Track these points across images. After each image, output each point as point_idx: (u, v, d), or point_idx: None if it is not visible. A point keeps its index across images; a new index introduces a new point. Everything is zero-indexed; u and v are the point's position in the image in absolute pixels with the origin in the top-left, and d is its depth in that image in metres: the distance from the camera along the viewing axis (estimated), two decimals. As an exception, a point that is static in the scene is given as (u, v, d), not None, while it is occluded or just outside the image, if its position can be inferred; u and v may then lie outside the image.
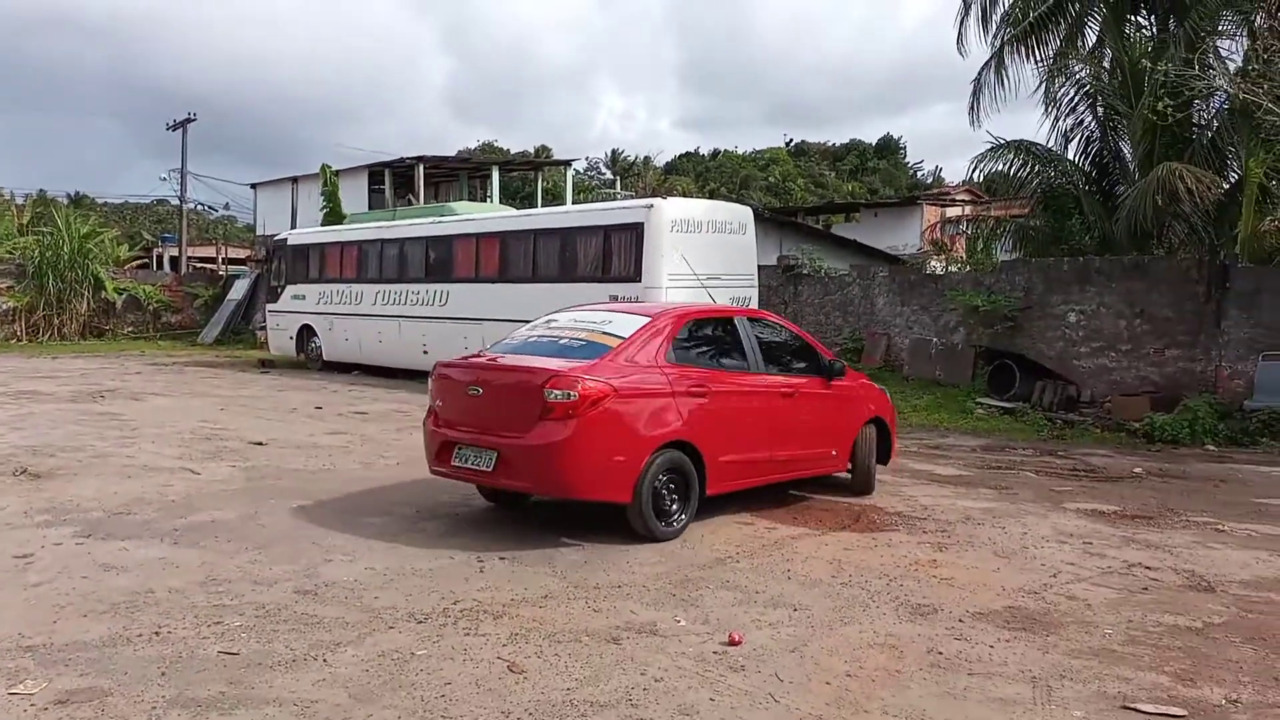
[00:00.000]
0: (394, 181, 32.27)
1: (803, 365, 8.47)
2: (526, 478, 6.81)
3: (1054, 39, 17.18)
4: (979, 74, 17.69)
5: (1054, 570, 6.40)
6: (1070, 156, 17.53)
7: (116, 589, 5.54)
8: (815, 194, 57.49)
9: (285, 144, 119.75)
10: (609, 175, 59.55)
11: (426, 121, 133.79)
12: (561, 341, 7.44)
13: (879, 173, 66.79)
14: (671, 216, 14.91)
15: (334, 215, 27.42)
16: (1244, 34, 15.32)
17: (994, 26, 17.69)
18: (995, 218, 20.55)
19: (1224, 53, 15.64)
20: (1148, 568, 6.51)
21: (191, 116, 37.42)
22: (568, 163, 38.62)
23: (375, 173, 32.01)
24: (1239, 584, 6.19)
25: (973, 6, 17.76)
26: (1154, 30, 16.68)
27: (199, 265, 42.31)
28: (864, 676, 4.50)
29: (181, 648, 4.66)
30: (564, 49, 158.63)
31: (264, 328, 25.51)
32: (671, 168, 67.69)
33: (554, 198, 36.72)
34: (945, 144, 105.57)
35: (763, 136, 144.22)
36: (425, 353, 18.79)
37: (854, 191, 56.80)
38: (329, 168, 29.45)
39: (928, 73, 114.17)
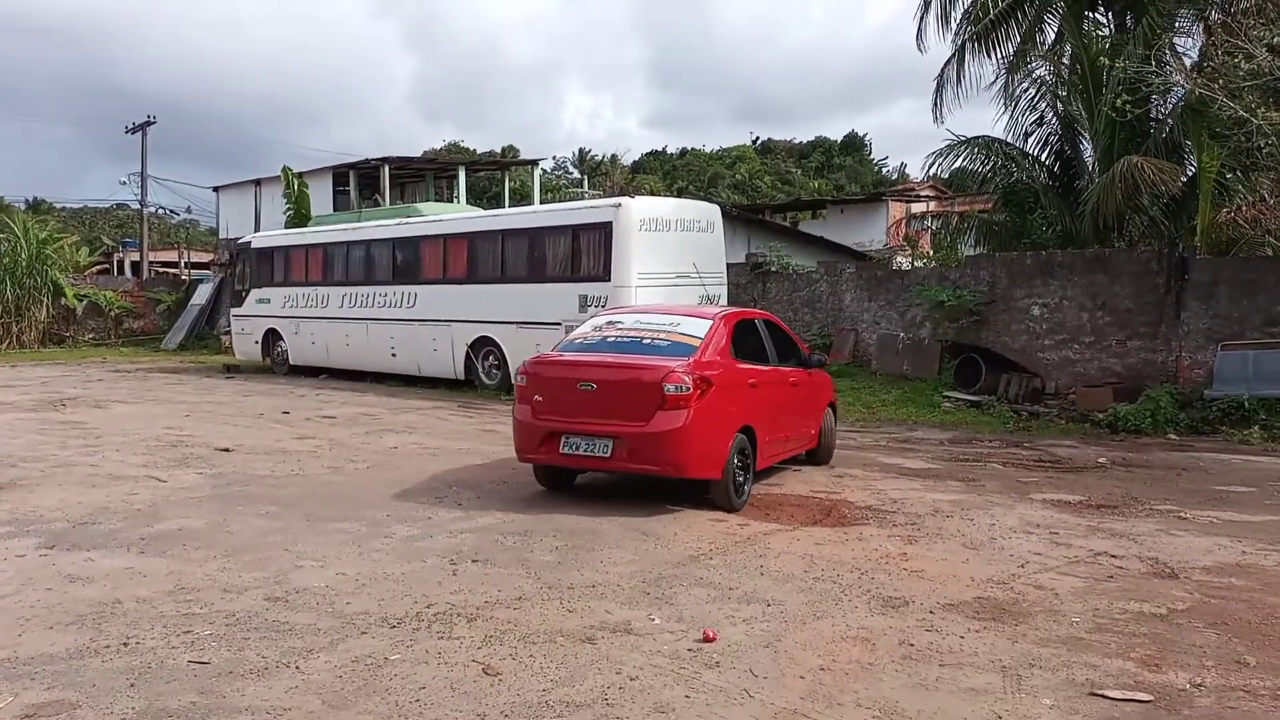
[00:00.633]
0: (359, 183, 32.02)
1: (793, 358, 9.60)
2: (648, 461, 7.65)
3: (1014, 36, 17.39)
4: (941, 71, 17.87)
5: (1022, 560, 6.49)
6: (1031, 152, 17.77)
7: (83, 600, 5.46)
8: (782, 191, 57.75)
9: (247, 146, 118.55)
10: (576, 175, 59.46)
11: (392, 122, 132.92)
12: (645, 341, 8.32)
13: (844, 169, 67.19)
14: (640, 215, 14.92)
15: (299, 217, 27.16)
16: (1199, 30, 15.61)
17: (955, 23, 17.89)
18: (959, 213, 20.78)
19: (1180, 49, 15.95)
20: (1113, 556, 6.62)
21: (151, 119, 36.93)
22: (535, 162, 38.51)
23: (340, 174, 31.74)
24: (1201, 570, 6.32)
25: (932, 3, 17.92)
26: (1112, 27, 16.94)
27: (161, 270, 41.70)
28: (837, 670, 4.54)
29: (151, 658, 4.60)
30: (530, 48, 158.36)
31: (229, 332, 25.24)
32: (639, 166, 67.67)
33: (521, 198, 36.60)
34: (910, 140, 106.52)
35: (729, 134, 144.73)
36: (394, 355, 18.70)
37: (820, 189, 57.10)
38: (290, 170, 29.15)
39: (892, 70, 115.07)
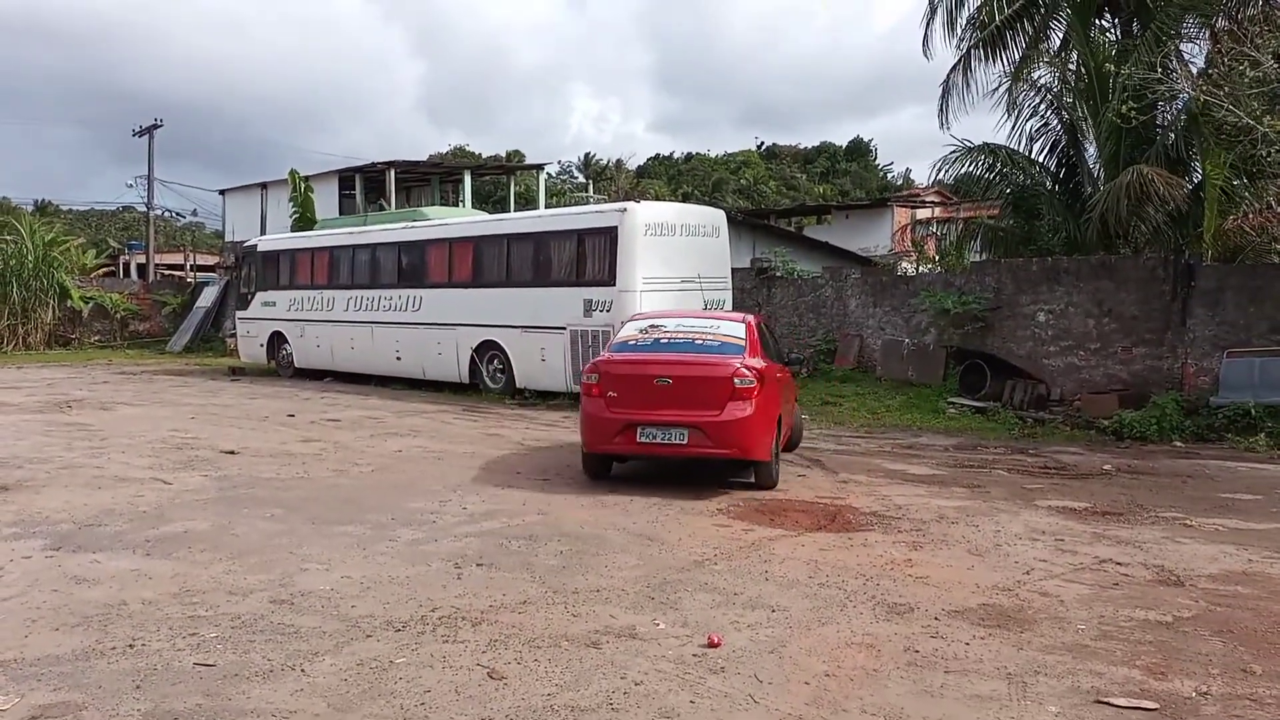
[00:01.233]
0: (365, 187, 32.05)
1: (778, 356, 10.56)
2: (720, 446, 8.58)
3: (1020, 42, 17.40)
4: (947, 77, 17.89)
5: (1027, 567, 6.48)
6: (1037, 158, 17.78)
7: (89, 602, 5.47)
8: (787, 196, 57.76)
9: (254, 150, 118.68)
10: (582, 179, 59.51)
11: (398, 126, 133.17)
12: (698, 342, 9.31)
13: (850, 175, 67.25)
14: (645, 220, 14.93)
15: (305, 221, 27.19)
16: (1205, 37, 15.61)
17: (961, 29, 17.90)
18: (965, 219, 20.77)
19: (1186, 55, 15.94)
20: (1118, 563, 6.61)
21: (158, 122, 37.05)
22: (540, 167, 38.52)
23: (346, 178, 31.78)
24: (1207, 578, 6.30)
25: (939, 10, 17.94)
26: (1118, 34, 16.94)
27: (167, 272, 41.78)
28: (842, 676, 4.53)
29: (156, 660, 4.61)
30: (536, 53, 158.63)
31: (234, 335, 25.28)
32: (644, 171, 67.73)
33: (526, 202, 36.64)
34: (915, 146, 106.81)
35: (735, 139, 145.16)
36: (398, 359, 18.71)
37: (825, 194, 57.13)
38: (297, 174, 29.21)
39: (898, 75, 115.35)
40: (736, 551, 6.78)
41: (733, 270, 16.95)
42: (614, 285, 14.64)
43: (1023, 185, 17.78)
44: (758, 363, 8.94)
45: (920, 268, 23.26)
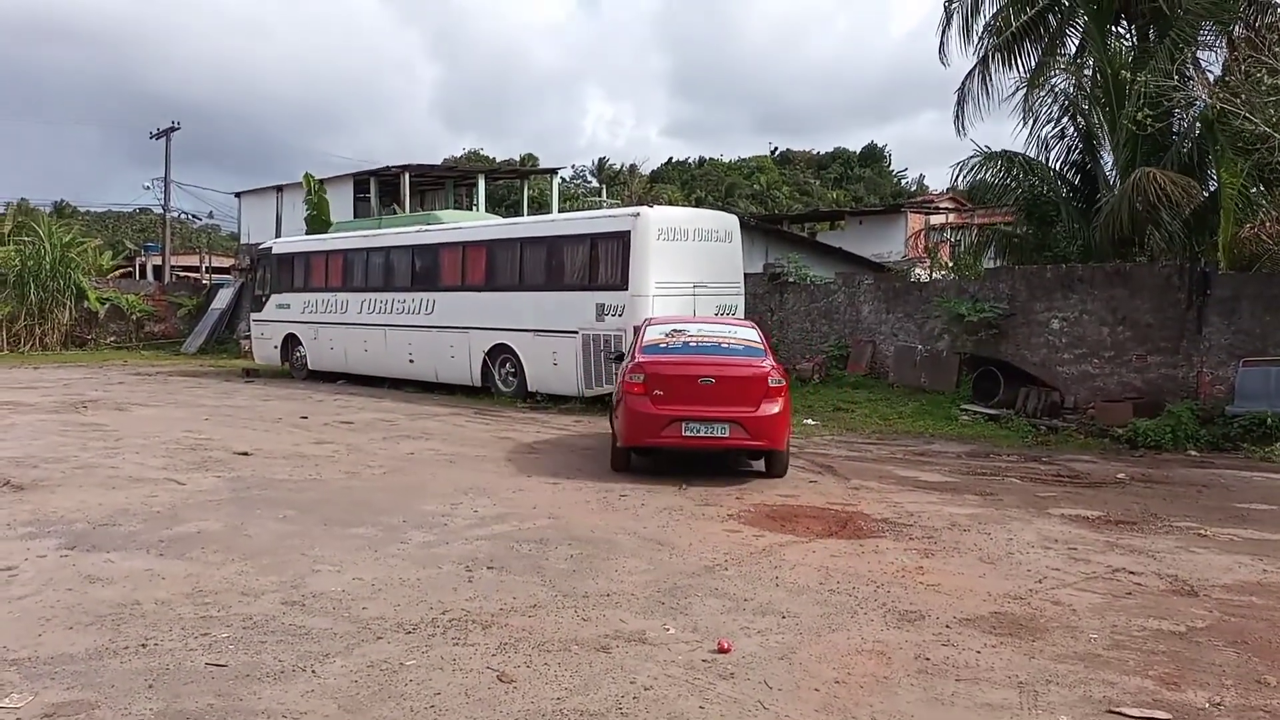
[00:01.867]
0: (379, 190, 32.21)
1: None
2: (755, 438, 9.55)
3: (1037, 49, 17.36)
4: (963, 83, 17.86)
5: (1039, 576, 6.45)
6: (1053, 165, 17.71)
7: (102, 601, 5.51)
8: (800, 202, 57.70)
9: (270, 152, 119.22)
10: (595, 184, 59.58)
11: (414, 129, 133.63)
12: (724, 345, 10.29)
13: (863, 181, 67.07)
14: (658, 224, 14.94)
15: (319, 224, 27.34)
16: (1223, 44, 15.52)
17: (977, 36, 17.88)
18: (979, 226, 20.70)
19: (1203, 63, 15.86)
20: (1131, 573, 6.56)
21: (175, 125, 37.29)
22: (554, 171, 38.64)
23: (360, 181, 31.94)
24: (1221, 588, 6.26)
25: (954, 17, 17.93)
26: (1134, 40, 16.87)
27: (183, 274, 42.03)
28: (853, 683, 4.52)
29: (169, 660, 4.64)
30: (552, 57, 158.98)
31: (248, 337, 25.41)
32: (657, 176, 67.73)
33: (540, 206, 36.72)
34: (929, 152, 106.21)
35: (749, 144, 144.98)
36: (411, 361, 18.78)
37: (839, 199, 57.03)
38: (312, 176, 29.37)
39: (913, 81, 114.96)
40: (747, 557, 6.77)
41: (745, 276, 16.93)
42: (626, 290, 14.66)
43: (1038, 192, 17.71)
44: (777, 364, 9.95)
45: (934, 274, 23.18)
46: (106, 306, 30.48)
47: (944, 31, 18.08)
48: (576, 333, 15.29)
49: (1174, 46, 14.47)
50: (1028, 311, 15.91)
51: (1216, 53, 15.87)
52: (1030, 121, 17.28)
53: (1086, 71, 17.22)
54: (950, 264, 22.44)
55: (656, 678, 4.52)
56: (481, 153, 58.75)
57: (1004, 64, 17.32)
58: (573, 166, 63.65)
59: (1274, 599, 6.04)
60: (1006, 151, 17.56)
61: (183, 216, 44.16)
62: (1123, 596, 6.02)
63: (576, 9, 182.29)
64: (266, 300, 22.74)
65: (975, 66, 17.67)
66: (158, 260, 40.02)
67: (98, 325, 30.49)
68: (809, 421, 14.53)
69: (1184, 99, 14.12)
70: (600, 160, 66.22)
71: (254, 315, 23.65)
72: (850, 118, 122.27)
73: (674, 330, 10.57)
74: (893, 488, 9.65)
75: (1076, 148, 17.50)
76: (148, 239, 47.97)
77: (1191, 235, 15.47)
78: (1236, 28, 14.76)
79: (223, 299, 32.05)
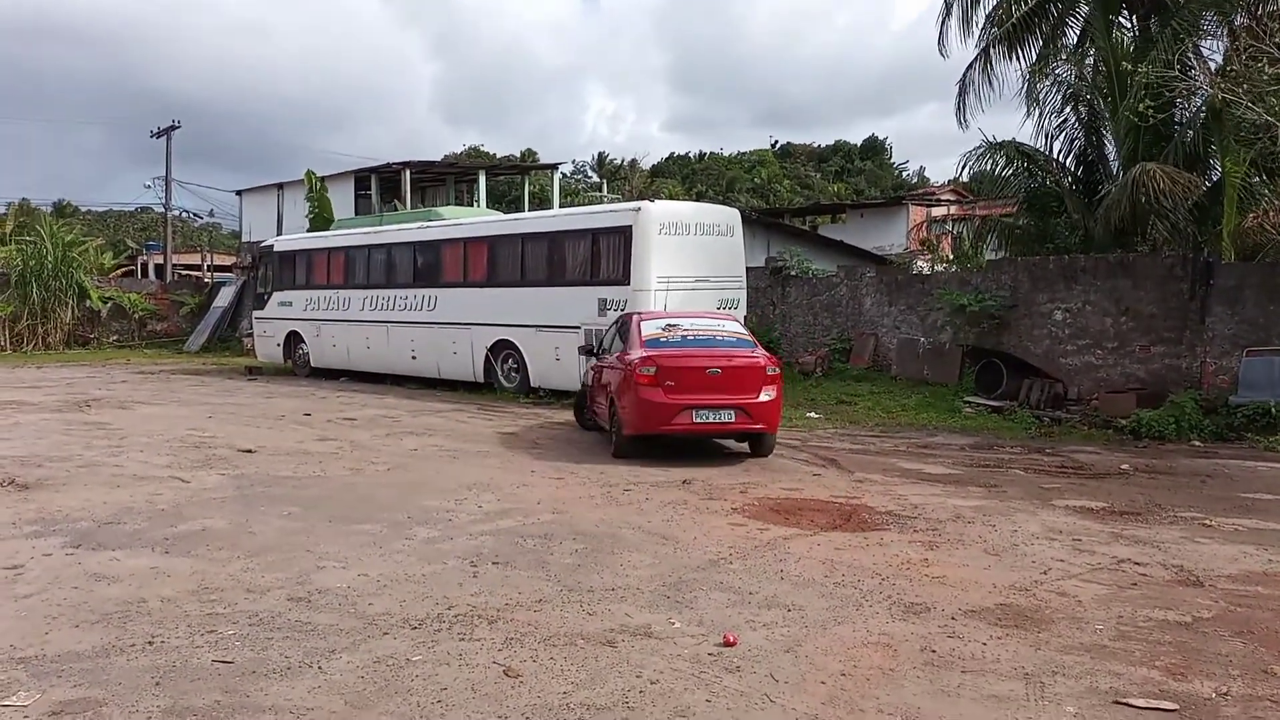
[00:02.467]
0: (380, 187, 32.19)
1: None
2: (756, 422, 10.31)
3: (1037, 39, 17.31)
4: (964, 74, 17.82)
5: (1044, 567, 6.44)
6: (1055, 156, 17.67)
7: (108, 599, 5.52)
8: (801, 195, 57.61)
9: (271, 150, 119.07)
10: (596, 179, 59.51)
11: (415, 127, 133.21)
12: (719, 338, 10.99)
13: (864, 174, 66.97)
14: (659, 219, 14.93)
15: (321, 221, 27.34)
16: (1224, 34, 15.47)
17: (978, 27, 17.82)
18: (981, 217, 20.67)
19: (1205, 52, 15.80)
20: (1136, 563, 6.56)
21: (176, 124, 37.31)
22: (554, 166, 38.58)
23: (361, 178, 31.92)
24: (1227, 578, 6.25)
25: (954, 7, 17.86)
26: (1136, 31, 16.81)
27: (184, 273, 42.08)
28: (859, 675, 4.52)
29: (175, 657, 4.65)
30: (553, 53, 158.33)
31: (250, 335, 25.44)
32: (658, 170, 67.60)
33: (541, 202, 36.69)
34: (930, 144, 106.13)
35: (750, 139, 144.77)
36: (414, 358, 18.79)
37: (840, 192, 56.92)
38: (313, 174, 29.36)
39: (913, 74, 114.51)
40: (752, 550, 6.77)
41: (747, 269, 16.92)
42: (628, 284, 14.64)
43: (1040, 182, 17.68)
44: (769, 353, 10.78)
45: (936, 266, 23.16)
46: (109, 305, 30.52)
47: (943, 22, 18.03)
48: (579, 328, 15.28)
49: (1175, 36, 14.41)
50: (1030, 303, 15.89)
51: (1218, 42, 15.84)
52: (1033, 112, 17.25)
53: (1088, 62, 17.17)
54: (951, 256, 22.42)
55: (662, 671, 4.52)
56: (482, 149, 58.60)
57: (1006, 55, 17.28)
58: (573, 162, 63.44)
59: (1279, 588, 6.03)
60: (1014, 141, 17.52)
61: (184, 215, 44.26)
62: (1128, 587, 6.02)
63: (577, 5, 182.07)
64: (269, 298, 22.76)
65: (977, 57, 17.64)
66: (159, 259, 40.06)
67: (100, 324, 30.52)
68: (812, 415, 14.52)
69: (1186, 89, 14.07)
70: (601, 155, 66.15)
71: (256, 313, 23.67)
72: (851, 111, 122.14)
73: (669, 325, 11.00)
74: (896, 480, 9.64)
75: (1078, 139, 17.45)
76: (149, 238, 48.00)
77: (1195, 225, 15.43)
78: (1238, 17, 14.70)
79: (225, 297, 32.08)
